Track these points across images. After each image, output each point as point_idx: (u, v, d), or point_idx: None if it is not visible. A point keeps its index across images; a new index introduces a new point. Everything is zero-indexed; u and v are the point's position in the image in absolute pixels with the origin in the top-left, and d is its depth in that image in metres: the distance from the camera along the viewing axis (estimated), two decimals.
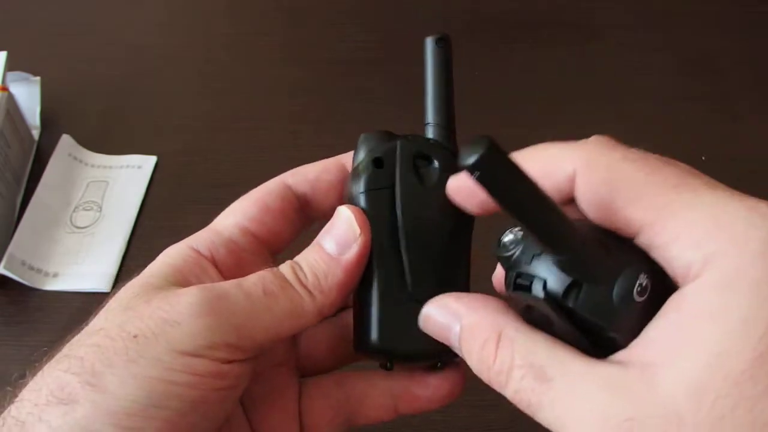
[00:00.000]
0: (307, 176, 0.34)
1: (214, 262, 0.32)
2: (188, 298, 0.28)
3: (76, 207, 0.61)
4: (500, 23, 0.75)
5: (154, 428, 0.26)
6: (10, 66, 0.61)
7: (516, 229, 0.28)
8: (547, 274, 0.26)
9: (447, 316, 0.28)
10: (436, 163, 0.32)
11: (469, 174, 0.22)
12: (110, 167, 0.63)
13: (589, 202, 0.26)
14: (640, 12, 0.76)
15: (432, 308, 0.29)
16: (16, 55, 0.62)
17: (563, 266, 0.25)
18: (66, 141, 0.64)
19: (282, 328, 0.29)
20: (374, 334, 0.31)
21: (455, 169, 0.30)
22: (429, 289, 0.30)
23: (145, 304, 0.28)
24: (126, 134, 0.66)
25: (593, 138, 0.27)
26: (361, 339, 0.32)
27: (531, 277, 0.26)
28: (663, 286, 0.25)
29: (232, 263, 0.32)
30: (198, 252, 0.31)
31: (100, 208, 0.61)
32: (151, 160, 0.64)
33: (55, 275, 0.56)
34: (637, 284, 0.25)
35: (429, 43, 0.34)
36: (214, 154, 0.64)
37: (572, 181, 0.26)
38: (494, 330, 0.26)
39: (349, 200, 0.32)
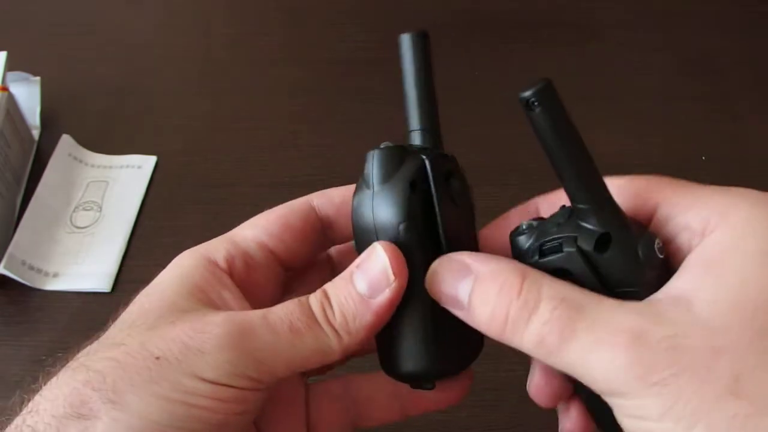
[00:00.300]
0: (333, 199, 0.34)
1: (231, 275, 0.31)
2: (214, 328, 0.28)
3: (76, 207, 0.61)
4: (500, 23, 0.75)
5: None
6: (10, 66, 0.61)
7: (530, 221, 0.30)
8: (578, 232, 0.27)
9: (458, 270, 0.28)
10: (456, 179, 0.31)
11: (526, 107, 0.25)
12: (110, 167, 0.63)
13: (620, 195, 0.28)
14: (640, 12, 0.76)
15: (441, 263, 0.29)
16: (16, 55, 0.62)
17: (594, 220, 0.27)
18: (66, 141, 0.64)
19: (305, 364, 0.29)
20: (420, 363, 0.30)
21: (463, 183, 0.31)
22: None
23: (170, 326, 0.28)
24: (126, 134, 0.66)
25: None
26: (398, 365, 0.31)
27: (559, 239, 0.28)
28: (668, 264, 0.28)
29: (246, 277, 0.32)
30: (216, 264, 0.31)
31: (100, 208, 0.61)
32: (151, 160, 0.64)
33: (55, 275, 0.56)
34: (656, 242, 0.27)
35: (406, 39, 0.31)
36: (214, 154, 0.64)
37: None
38: (517, 274, 0.27)
39: (373, 225, 0.30)
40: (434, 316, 0.30)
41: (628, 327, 0.24)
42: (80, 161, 0.64)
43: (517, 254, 0.29)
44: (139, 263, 0.57)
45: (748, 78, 0.69)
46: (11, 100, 0.61)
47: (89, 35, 0.76)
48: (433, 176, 0.30)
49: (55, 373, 0.28)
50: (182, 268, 0.31)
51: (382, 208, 0.29)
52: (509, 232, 0.30)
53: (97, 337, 0.29)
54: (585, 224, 0.27)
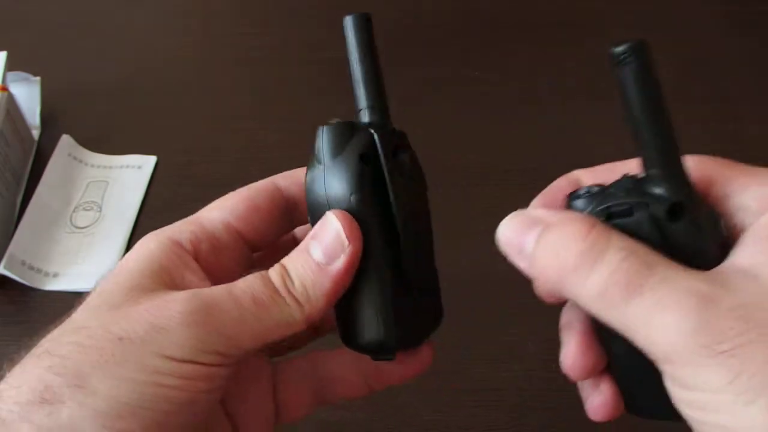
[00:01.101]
0: (299, 180, 0.33)
1: (196, 257, 0.31)
2: (178, 305, 0.28)
3: (76, 207, 0.61)
4: (500, 23, 0.75)
5: (143, 428, 0.26)
6: (10, 66, 0.61)
7: (588, 186, 0.29)
8: (649, 198, 0.27)
9: (528, 221, 0.28)
10: (406, 154, 0.31)
11: (617, 62, 0.25)
12: (110, 167, 0.63)
13: None
14: (640, 12, 0.76)
15: (511, 217, 0.28)
16: (16, 55, 0.62)
17: (667, 188, 0.26)
18: (66, 141, 0.64)
19: (270, 336, 0.29)
20: (378, 332, 0.31)
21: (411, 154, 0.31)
22: (424, 276, 0.30)
23: (133, 306, 0.28)
24: (126, 134, 0.66)
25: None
26: (357, 335, 0.31)
27: (629, 203, 0.27)
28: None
29: (212, 259, 0.32)
30: (181, 246, 0.31)
31: (100, 208, 0.61)
32: (151, 160, 0.64)
33: (55, 275, 0.56)
34: (721, 221, 0.27)
35: (350, 21, 0.33)
36: (214, 154, 0.64)
37: None
38: (586, 221, 0.26)
39: (325, 199, 0.31)
40: (392, 286, 0.30)
41: (699, 290, 0.24)
42: (80, 161, 0.64)
43: (579, 209, 0.29)
44: None
45: (748, 78, 0.69)
46: (11, 100, 0.61)
47: (89, 35, 0.76)
48: (383, 149, 0.30)
49: (19, 360, 0.27)
50: (147, 250, 0.31)
51: (333, 181, 0.30)
52: (566, 195, 0.29)
53: (62, 322, 0.29)
54: (657, 191, 0.27)
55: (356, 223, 0.30)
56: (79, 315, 0.29)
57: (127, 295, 0.28)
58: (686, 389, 0.24)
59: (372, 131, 0.31)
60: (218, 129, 0.67)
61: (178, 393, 0.27)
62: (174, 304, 0.28)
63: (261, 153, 0.64)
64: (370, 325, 0.31)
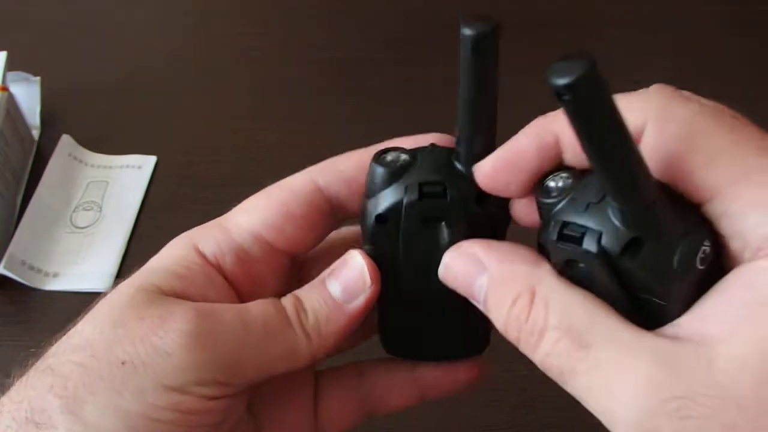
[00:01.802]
0: (343, 174, 0.30)
1: (221, 270, 0.30)
2: (182, 325, 0.26)
3: (76, 207, 0.61)
4: (500, 23, 0.75)
5: None
6: (10, 66, 0.61)
7: (563, 174, 0.26)
8: (604, 227, 0.23)
9: (471, 265, 0.26)
10: (444, 226, 0.28)
11: (558, 96, 0.19)
12: (110, 167, 0.63)
13: (659, 159, 0.23)
14: (640, 12, 0.76)
15: (454, 256, 0.27)
16: (16, 55, 0.62)
17: (627, 219, 0.23)
18: (66, 141, 0.64)
19: (274, 367, 0.28)
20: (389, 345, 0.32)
21: (475, 219, 0.27)
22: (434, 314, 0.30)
23: (138, 323, 0.26)
24: (126, 134, 0.66)
25: (656, 87, 0.24)
26: (392, 343, 0.32)
27: (583, 228, 0.24)
28: (718, 263, 0.23)
29: (240, 272, 0.30)
30: (204, 257, 0.29)
31: (100, 208, 0.61)
32: (151, 160, 0.64)
33: (55, 275, 0.56)
34: (701, 250, 0.23)
35: (470, 38, 0.27)
36: (214, 154, 0.64)
37: (639, 133, 0.23)
38: (527, 285, 0.24)
39: (362, 230, 0.29)
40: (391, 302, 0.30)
41: (638, 374, 0.21)
42: (80, 161, 0.64)
43: (541, 214, 0.26)
44: (139, 263, 0.57)
45: (748, 78, 0.69)
46: (11, 100, 0.61)
47: (89, 35, 0.76)
48: (405, 218, 0.28)
49: (27, 370, 0.27)
50: (169, 257, 0.29)
51: (361, 221, 0.29)
52: (528, 177, 0.26)
53: (68, 330, 0.28)
54: (616, 220, 0.23)
55: (376, 268, 0.29)
56: (86, 327, 0.27)
57: (132, 305, 0.27)
58: None
59: (405, 193, 0.27)
60: (218, 129, 0.67)
61: (172, 428, 0.26)
62: (178, 323, 0.26)
63: (261, 153, 0.64)
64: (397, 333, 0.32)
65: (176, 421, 0.26)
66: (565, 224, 0.24)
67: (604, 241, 0.23)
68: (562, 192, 0.25)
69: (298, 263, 0.32)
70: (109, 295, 0.28)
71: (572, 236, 0.24)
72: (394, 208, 0.28)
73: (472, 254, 0.26)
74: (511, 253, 0.26)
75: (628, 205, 0.22)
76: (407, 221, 0.28)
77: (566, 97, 0.19)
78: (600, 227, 0.23)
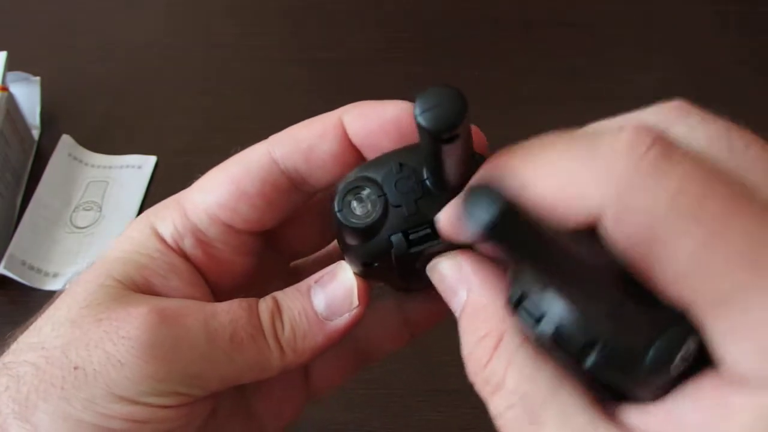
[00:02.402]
0: (300, 145, 0.27)
1: (183, 254, 0.28)
2: (138, 332, 0.24)
3: (76, 207, 0.61)
4: (500, 23, 0.75)
5: None
6: (10, 66, 0.61)
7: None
8: (562, 319, 0.20)
9: (457, 279, 0.24)
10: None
11: (480, 237, 0.17)
12: (110, 167, 0.63)
13: (622, 255, 0.19)
14: (640, 12, 0.76)
15: (446, 264, 0.25)
16: (16, 55, 0.62)
17: (584, 320, 0.20)
18: (66, 141, 0.64)
19: (240, 378, 0.26)
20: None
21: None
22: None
23: (94, 325, 0.25)
24: (126, 134, 0.66)
25: (624, 142, 0.18)
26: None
27: (541, 312, 0.21)
28: (701, 354, 0.20)
29: (201, 254, 0.28)
30: (164, 242, 0.27)
31: (100, 208, 0.61)
32: (151, 160, 0.64)
33: (55, 275, 0.56)
34: (683, 348, 0.19)
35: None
36: (214, 154, 0.64)
37: (595, 218, 0.19)
38: (496, 328, 0.22)
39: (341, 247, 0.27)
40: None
41: None
42: (80, 161, 0.64)
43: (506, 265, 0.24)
44: None
45: (748, 78, 0.69)
46: (11, 100, 0.61)
47: (89, 35, 0.76)
48: (396, 262, 0.25)
49: None
50: (130, 243, 0.27)
51: (339, 243, 0.27)
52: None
53: (26, 327, 0.27)
54: (575, 315, 0.20)
55: (368, 289, 0.27)
56: (44, 325, 0.26)
57: (91, 304, 0.25)
58: None
59: (392, 246, 0.25)
60: (218, 129, 0.67)
61: None
62: (134, 329, 0.24)
63: None
64: None
65: (129, 431, 0.24)
66: (524, 296, 0.22)
67: (561, 333, 0.21)
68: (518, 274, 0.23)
69: (275, 243, 0.30)
70: (68, 290, 0.27)
71: (531, 314, 0.21)
72: (383, 257, 0.25)
73: (459, 267, 0.24)
74: (493, 279, 0.24)
75: (586, 312, 0.20)
76: (398, 261, 0.26)
77: (489, 237, 0.17)
78: (558, 317, 0.21)
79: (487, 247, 0.21)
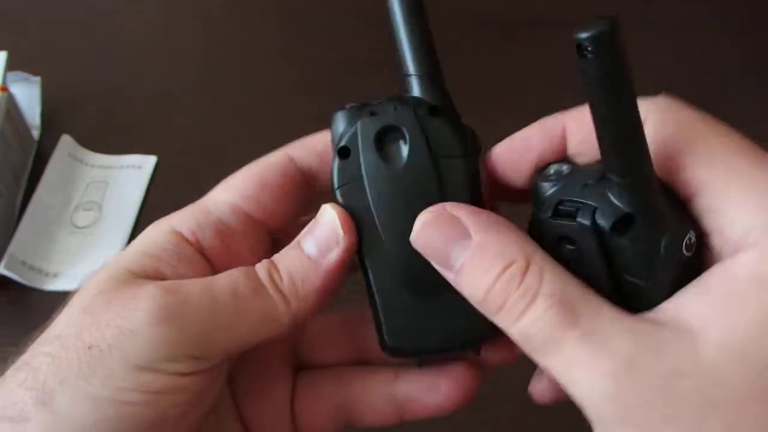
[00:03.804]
0: (315, 148, 0.31)
1: (200, 247, 0.29)
2: (145, 303, 0.25)
3: (76, 207, 0.61)
4: (500, 23, 0.75)
5: None
6: (10, 66, 0.61)
7: (563, 164, 0.27)
8: (599, 203, 0.24)
9: (452, 229, 0.25)
10: (406, 134, 0.28)
11: (577, 51, 0.21)
12: (110, 167, 0.63)
13: (654, 151, 0.24)
14: (640, 12, 0.76)
15: (433, 216, 0.26)
16: (16, 55, 0.62)
17: (623, 195, 0.23)
18: (66, 141, 0.64)
19: (251, 335, 0.27)
20: (387, 338, 0.28)
21: (434, 128, 0.28)
22: (424, 276, 0.27)
23: (105, 307, 0.26)
24: (126, 134, 0.66)
25: (662, 96, 0.26)
26: (380, 342, 0.29)
27: (578, 204, 0.25)
28: (699, 256, 0.24)
29: (220, 247, 0.29)
30: (180, 235, 0.29)
31: (100, 208, 0.61)
32: (151, 160, 0.64)
33: (55, 275, 0.56)
34: (687, 238, 0.24)
35: None
36: (214, 154, 0.64)
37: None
38: (523, 253, 0.24)
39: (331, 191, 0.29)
40: (388, 286, 0.28)
41: (621, 351, 0.22)
42: (80, 161, 0.64)
43: (535, 201, 0.27)
44: None
45: (748, 78, 0.69)
46: (11, 100, 0.61)
47: (89, 35, 0.76)
48: (362, 140, 0.28)
49: (7, 368, 0.27)
50: (142, 239, 0.29)
51: (331, 177, 0.29)
52: (533, 163, 0.28)
53: (45, 327, 0.28)
54: (611, 197, 0.24)
55: (350, 219, 0.28)
56: (60, 320, 0.27)
57: (100, 291, 0.27)
58: None
59: (359, 121, 0.28)
60: (218, 129, 0.67)
61: (143, 410, 0.25)
62: (142, 302, 0.25)
63: (261, 153, 0.64)
64: (380, 326, 0.29)
65: (147, 402, 0.25)
66: (561, 201, 0.25)
67: (597, 216, 0.24)
68: (559, 177, 0.26)
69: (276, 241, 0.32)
70: (82, 286, 0.28)
71: (567, 211, 0.25)
72: (352, 136, 0.28)
73: (453, 218, 0.26)
74: (499, 224, 0.25)
75: (625, 174, 0.23)
76: (364, 144, 0.28)
77: (588, 50, 0.21)
78: (595, 203, 0.24)
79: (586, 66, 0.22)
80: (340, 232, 0.27)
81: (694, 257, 0.24)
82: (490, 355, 0.31)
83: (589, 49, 0.21)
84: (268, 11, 0.79)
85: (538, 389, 0.30)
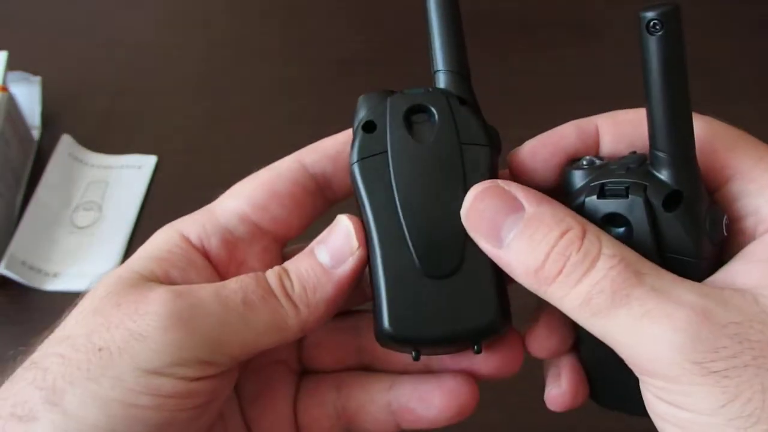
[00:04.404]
0: (327, 152, 0.30)
1: (206, 253, 0.29)
2: (156, 307, 0.25)
3: (76, 207, 0.61)
4: (500, 23, 0.75)
5: None
6: (10, 66, 0.61)
7: (594, 158, 0.28)
8: (648, 181, 0.25)
9: (505, 201, 0.25)
10: (435, 115, 0.28)
11: (645, 29, 0.23)
12: (110, 167, 0.63)
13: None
14: (639, 12, 0.76)
15: (484, 188, 0.26)
16: (16, 55, 0.62)
17: (670, 172, 0.25)
18: (66, 141, 0.64)
19: (260, 341, 0.27)
20: (387, 322, 0.27)
21: (462, 116, 0.28)
22: (439, 261, 0.27)
23: (115, 309, 0.26)
24: (126, 134, 0.66)
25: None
26: (378, 329, 0.28)
27: (627, 183, 0.25)
28: (729, 247, 0.26)
29: (225, 254, 0.29)
30: (188, 241, 0.29)
31: (100, 208, 0.61)
32: (151, 160, 0.64)
33: (55, 275, 0.56)
34: (725, 218, 0.26)
35: None
36: (214, 154, 0.64)
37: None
38: (577, 221, 0.24)
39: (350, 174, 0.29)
40: (398, 270, 0.27)
41: (692, 303, 0.22)
42: (80, 161, 0.64)
43: (568, 189, 0.28)
44: None
45: (748, 78, 0.69)
46: (11, 100, 0.61)
47: (89, 35, 0.76)
48: (390, 114, 0.28)
49: (15, 367, 0.27)
50: (151, 243, 0.29)
51: (350, 151, 0.29)
52: (563, 159, 0.28)
53: (56, 327, 0.28)
54: (659, 175, 0.25)
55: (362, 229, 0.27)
56: (69, 320, 0.27)
57: (111, 295, 0.27)
58: (669, 405, 0.23)
59: (389, 98, 0.29)
60: (218, 129, 0.67)
61: (152, 413, 0.25)
62: (152, 305, 0.25)
63: (261, 153, 0.63)
64: (381, 313, 0.27)
65: (156, 406, 0.25)
66: (605, 184, 0.26)
67: (648, 193, 0.25)
68: (592, 167, 0.27)
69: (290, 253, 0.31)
70: (92, 288, 0.28)
71: (615, 191, 0.26)
72: (380, 112, 0.28)
73: (506, 191, 0.26)
74: (551, 200, 0.26)
75: (675, 150, 0.24)
76: (393, 119, 0.28)
77: (657, 26, 0.23)
78: (644, 181, 0.25)
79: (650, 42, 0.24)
80: (355, 243, 0.27)
81: (728, 240, 0.26)
82: (491, 358, 0.30)
83: (658, 26, 0.23)
84: (268, 11, 0.79)
85: (554, 395, 0.30)
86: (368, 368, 0.33)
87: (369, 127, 0.28)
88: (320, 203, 0.31)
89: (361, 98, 0.29)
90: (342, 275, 0.27)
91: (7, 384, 0.26)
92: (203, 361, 0.26)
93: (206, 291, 0.26)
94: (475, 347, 0.28)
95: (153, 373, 0.25)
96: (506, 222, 0.25)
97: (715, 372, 0.21)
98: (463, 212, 0.26)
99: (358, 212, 0.29)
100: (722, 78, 0.69)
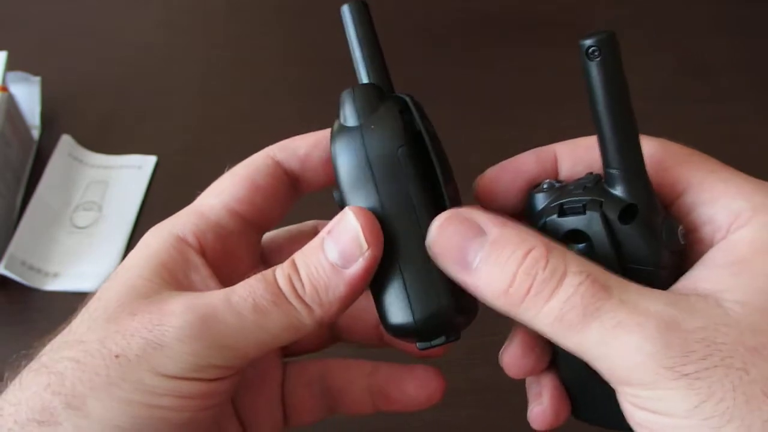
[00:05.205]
0: (297, 152, 0.32)
1: (202, 250, 0.29)
2: (173, 319, 0.26)
3: (76, 207, 0.61)
4: (500, 23, 0.75)
5: None
6: (10, 66, 0.61)
7: (553, 181, 0.29)
8: (604, 197, 0.27)
9: (468, 227, 0.26)
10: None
11: (585, 55, 0.25)
12: (110, 167, 0.63)
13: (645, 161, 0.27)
14: (639, 12, 0.76)
15: (448, 217, 0.26)
16: (16, 55, 0.62)
17: (623, 187, 0.26)
18: (66, 141, 0.64)
19: (277, 341, 0.27)
20: (414, 315, 0.27)
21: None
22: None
23: (129, 318, 0.26)
24: (126, 134, 0.66)
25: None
26: (390, 320, 0.28)
27: (583, 201, 0.27)
28: (687, 251, 0.27)
29: (219, 249, 0.30)
30: (183, 241, 0.29)
31: (100, 208, 0.61)
32: (151, 160, 0.64)
33: (55, 275, 0.56)
34: (680, 227, 0.27)
35: (346, 9, 0.34)
36: (214, 154, 0.64)
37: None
38: (540, 240, 0.25)
39: (365, 160, 0.28)
40: (415, 260, 0.27)
41: (659, 312, 0.23)
42: (80, 161, 0.64)
43: (532, 212, 0.29)
44: None
45: (747, 79, 0.69)
46: (11, 100, 0.61)
47: (89, 35, 0.76)
48: (416, 109, 0.29)
49: (19, 371, 0.27)
50: (147, 248, 0.29)
51: (374, 139, 0.28)
52: (525, 185, 0.30)
53: (60, 330, 0.28)
54: (613, 191, 0.27)
55: (377, 225, 0.27)
56: (78, 325, 0.27)
57: (124, 302, 0.27)
58: (647, 411, 0.23)
59: (402, 95, 0.30)
60: (218, 129, 0.67)
61: (175, 414, 0.26)
62: (169, 318, 0.26)
63: None
64: (402, 305, 0.27)
65: (179, 407, 0.26)
66: (564, 203, 0.27)
67: (605, 208, 0.26)
68: (552, 189, 0.29)
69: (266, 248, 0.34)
70: (99, 293, 0.28)
71: (574, 209, 0.27)
72: (404, 103, 0.29)
73: (467, 218, 0.26)
74: (513, 222, 0.26)
75: (626, 167, 0.26)
76: (420, 112, 0.29)
77: (595, 52, 0.24)
78: (600, 198, 0.27)
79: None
80: (364, 244, 0.27)
81: (685, 249, 0.27)
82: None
83: (596, 52, 0.25)
84: (267, 12, 0.79)
85: (536, 412, 0.30)
86: (337, 340, 0.35)
87: (403, 113, 0.29)
88: (292, 194, 0.32)
89: (356, 88, 0.30)
90: (353, 275, 0.27)
91: (14, 389, 0.26)
92: (220, 366, 0.26)
93: (218, 298, 0.27)
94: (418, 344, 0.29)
95: (172, 378, 0.25)
96: (472, 247, 0.25)
97: (686, 375, 0.22)
98: (427, 243, 0.27)
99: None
100: (722, 79, 0.69)
